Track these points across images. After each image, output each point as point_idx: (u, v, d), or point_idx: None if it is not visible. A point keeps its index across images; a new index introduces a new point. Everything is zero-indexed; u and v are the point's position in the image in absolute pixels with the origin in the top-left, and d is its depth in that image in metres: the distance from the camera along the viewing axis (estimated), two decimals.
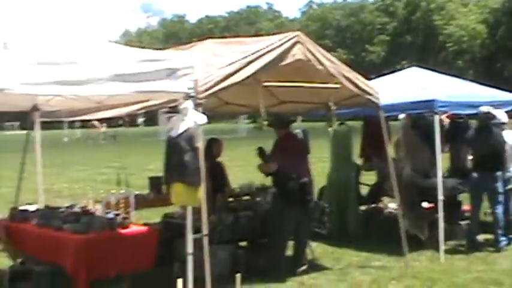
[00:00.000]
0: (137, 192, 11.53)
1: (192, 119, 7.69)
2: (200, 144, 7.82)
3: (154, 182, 12.32)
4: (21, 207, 10.32)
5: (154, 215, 12.10)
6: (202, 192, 7.84)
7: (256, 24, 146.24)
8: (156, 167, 27.15)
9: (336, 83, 10.06)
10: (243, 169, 22.21)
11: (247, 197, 11.53)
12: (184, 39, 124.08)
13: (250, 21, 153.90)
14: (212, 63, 9.02)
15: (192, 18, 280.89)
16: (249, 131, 59.23)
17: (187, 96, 7.74)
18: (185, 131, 7.65)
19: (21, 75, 6.48)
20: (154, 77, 7.45)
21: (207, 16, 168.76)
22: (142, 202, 11.26)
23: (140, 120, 76.13)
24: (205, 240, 8.10)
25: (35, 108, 10.84)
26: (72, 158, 39.99)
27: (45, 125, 11.71)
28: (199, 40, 11.07)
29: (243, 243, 11.13)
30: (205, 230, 8.08)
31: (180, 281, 7.50)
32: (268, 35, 10.51)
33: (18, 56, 6.51)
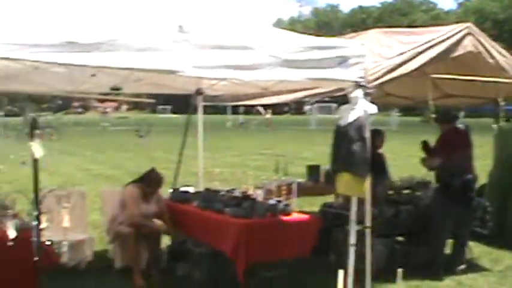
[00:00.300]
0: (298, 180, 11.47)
1: (362, 109, 7.56)
2: (368, 135, 7.68)
3: (313, 171, 12.27)
4: (181, 189, 10.48)
5: (309, 204, 12.06)
6: (368, 183, 7.71)
7: (410, 16, 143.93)
8: (311, 155, 27.33)
9: (506, 77, 9.69)
10: (395, 162, 21.90)
11: (407, 191, 11.28)
12: (336, 29, 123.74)
13: (404, 13, 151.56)
14: (379, 52, 8.89)
15: (345, 7, 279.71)
16: (399, 124, 58.64)
17: (358, 85, 7.60)
18: (355, 120, 7.53)
19: (194, 58, 6.51)
20: (325, 64, 7.35)
21: (360, 6, 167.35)
22: (299, 190, 11.21)
23: (307, 107, 75.75)
24: (368, 233, 7.99)
25: (198, 92, 10.97)
26: (228, 143, 40.53)
27: (209, 110, 11.78)
28: (352, 31, 10.91)
29: (400, 238, 10.93)
30: (368, 222, 7.96)
31: (341, 272, 7.44)
32: (422, 27, 10.25)
33: (192, 39, 6.54)
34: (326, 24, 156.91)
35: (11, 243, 6.68)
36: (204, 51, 6.56)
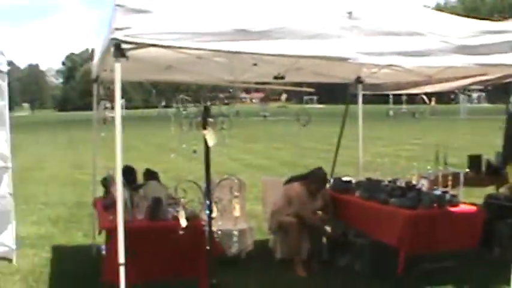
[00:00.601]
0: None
1: None
2: None
3: (474, 161, 11.88)
4: (343, 178, 10.35)
5: (467, 194, 11.70)
6: None
7: None
8: (462, 145, 26.65)
9: None
10: None
11: None
12: (484, 15, 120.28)
13: None
14: None
15: None
16: None
17: None
18: None
19: (363, 44, 6.39)
20: (497, 49, 7.03)
21: None
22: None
23: (475, 95, 73.08)
24: None
25: (358, 80, 10.79)
26: (378, 133, 40.01)
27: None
28: (501, 17, 10.45)
29: None
30: None
31: None
32: None
33: (362, 26, 6.40)
34: (473, 10, 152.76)
35: (182, 232, 6.71)
36: (374, 37, 6.42)
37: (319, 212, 9.66)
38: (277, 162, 24.31)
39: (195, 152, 6.63)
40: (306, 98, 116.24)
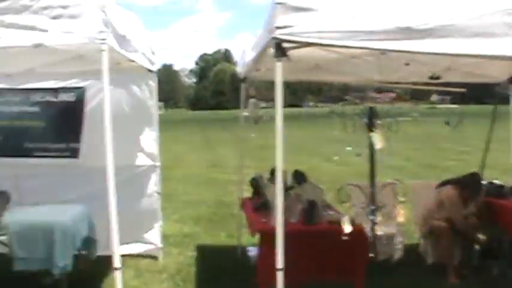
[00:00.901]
0: None
1: None
2: None
3: None
4: (496, 182, 9.99)
5: None
6: None
7: None
8: None
9: None
10: None
11: None
12: None
13: None
14: None
15: None
16: None
17: None
18: None
19: None
20: None
21: None
22: None
23: None
24: None
25: (511, 80, 10.40)
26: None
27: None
28: None
29: None
30: None
31: None
32: None
33: None
34: None
35: (345, 238, 6.48)
36: None
37: (472, 217, 9.35)
38: (415, 164, 23.91)
39: (358, 155, 6.44)
40: (437, 98, 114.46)
